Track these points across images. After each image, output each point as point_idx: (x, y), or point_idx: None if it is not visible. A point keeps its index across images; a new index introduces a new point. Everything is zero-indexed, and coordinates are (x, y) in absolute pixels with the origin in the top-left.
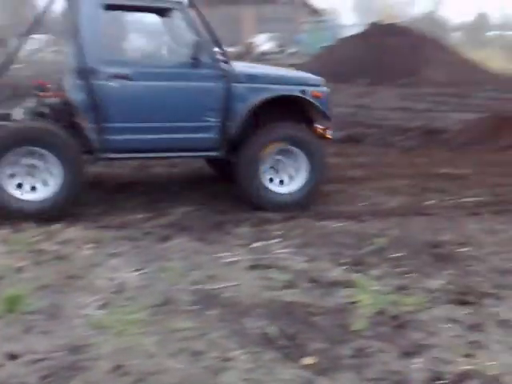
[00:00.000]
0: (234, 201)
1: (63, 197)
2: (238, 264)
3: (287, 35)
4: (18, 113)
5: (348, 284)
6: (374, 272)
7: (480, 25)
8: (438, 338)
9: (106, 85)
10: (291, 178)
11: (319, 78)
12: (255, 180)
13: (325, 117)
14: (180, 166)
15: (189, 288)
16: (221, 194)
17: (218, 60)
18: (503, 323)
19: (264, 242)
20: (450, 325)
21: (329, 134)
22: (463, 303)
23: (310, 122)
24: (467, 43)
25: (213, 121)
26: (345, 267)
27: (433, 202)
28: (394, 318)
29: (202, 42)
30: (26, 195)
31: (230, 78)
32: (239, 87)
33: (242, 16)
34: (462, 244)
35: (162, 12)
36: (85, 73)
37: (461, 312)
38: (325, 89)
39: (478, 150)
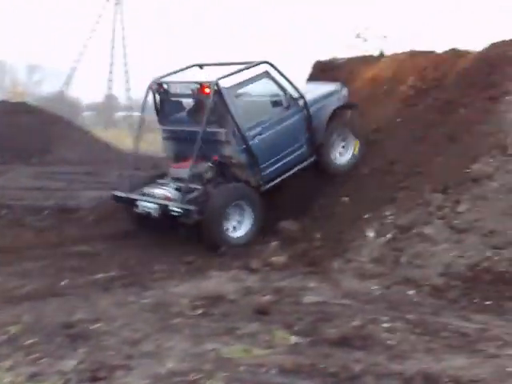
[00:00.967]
0: None
1: (252, 232)
2: None
3: None
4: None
5: None
6: (6, 363)
7: (109, 105)
8: None
9: (254, 143)
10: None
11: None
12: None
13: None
14: None
15: None
16: None
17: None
18: None
19: None
20: None
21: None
22: (95, 380)
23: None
24: (98, 123)
25: (305, 137)
26: None
27: (67, 281)
28: None
29: (287, 93)
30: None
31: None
32: (313, 109)
33: None
34: (95, 320)
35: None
36: (244, 140)
37: None
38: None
39: (108, 226)
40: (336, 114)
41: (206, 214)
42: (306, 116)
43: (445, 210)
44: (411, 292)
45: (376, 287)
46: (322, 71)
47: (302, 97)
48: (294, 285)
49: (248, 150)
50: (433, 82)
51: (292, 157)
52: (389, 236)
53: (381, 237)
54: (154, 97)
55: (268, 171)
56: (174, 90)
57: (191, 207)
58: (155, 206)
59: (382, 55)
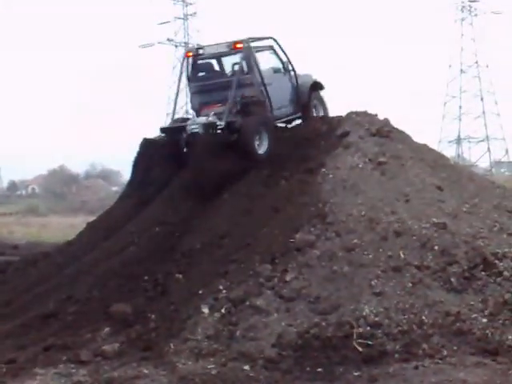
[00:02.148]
0: None
1: (268, 152)
2: None
3: None
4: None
5: None
6: None
7: None
8: None
9: (268, 86)
10: None
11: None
12: None
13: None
14: None
15: None
16: None
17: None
18: None
19: None
20: None
21: None
22: None
23: None
24: None
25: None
26: None
27: None
28: None
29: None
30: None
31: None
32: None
33: None
34: None
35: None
36: (263, 83)
37: None
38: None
39: None
40: (313, 85)
41: (243, 128)
42: (296, 83)
43: (274, 280)
44: (246, 367)
45: (212, 366)
46: (150, 148)
47: (293, 69)
48: (128, 374)
49: (265, 91)
50: None
51: (286, 109)
52: (223, 311)
53: (215, 312)
54: (188, 62)
55: (275, 112)
56: (209, 51)
57: (235, 119)
58: (201, 125)
59: None
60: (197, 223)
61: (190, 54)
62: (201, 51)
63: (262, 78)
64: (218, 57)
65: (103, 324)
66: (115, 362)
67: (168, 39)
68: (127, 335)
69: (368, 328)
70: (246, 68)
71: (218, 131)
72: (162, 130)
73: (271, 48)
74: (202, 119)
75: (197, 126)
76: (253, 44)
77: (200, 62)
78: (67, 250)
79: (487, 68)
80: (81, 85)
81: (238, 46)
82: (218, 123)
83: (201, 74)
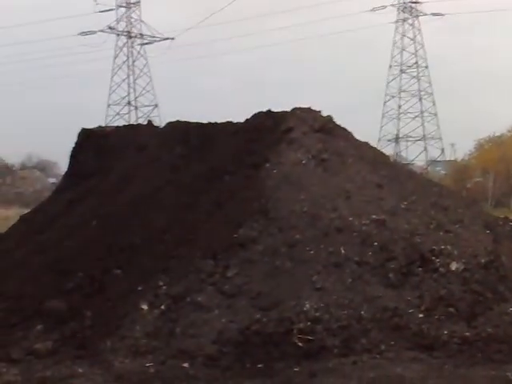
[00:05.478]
0: None
1: None
2: None
3: None
4: None
5: None
6: None
7: None
8: None
9: None
10: None
11: None
12: None
13: None
14: None
15: None
16: None
17: None
18: None
19: None
20: None
21: None
22: None
23: None
24: None
25: None
26: None
27: None
28: None
29: None
30: None
31: None
32: None
33: None
34: None
35: None
36: None
37: None
38: None
39: None
40: None
41: None
42: None
43: (215, 276)
44: (186, 364)
45: (151, 364)
46: (89, 139)
47: None
48: (62, 373)
49: None
50: (199, 150)
51: None
52: (163, 307)
53: (155, 309)
54: None
55: None
56: None
57: None
58: None
59: (150, 124)
60: (137, 217)
61: None
62: None
63: None
64: None
65: (36, 321)
66: (48, 360)
67: (110, 27)
68: (61, 333)
69: (308, 323)
70: None
71: None
72: None
73: None
74: None
75: None
76: None
77: None
78: None
79: (426, 68)
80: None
81: None
82: None
83: None
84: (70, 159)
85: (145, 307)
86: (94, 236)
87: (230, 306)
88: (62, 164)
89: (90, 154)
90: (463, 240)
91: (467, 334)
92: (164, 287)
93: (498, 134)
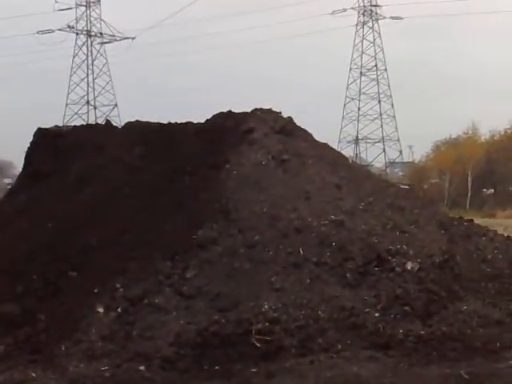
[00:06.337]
0: None
1: None
2: None
3: None
4: None
5: None
6: None
7: None
8: None
9: None
10: None
11: None
12: None
13: None
14: None
15: None
16: None
17: None
18: None
19: None
20: None
21: None
22: None
23: None
24: None
25: None
26: None
27: None
28: None
29: None
30: None
31: None
32: None
33: None
34: None
35: None
36: None
37: None
38: None
39: None
40: None
41: None
42: None
43: (174, 278)
44: (142, 367)
45: (106, 368)
46: (45, 139)
47: None
48: (14, 377)
49: None
50: (159, 151)
51: None
52: (119, 310)
53: (111, 311)
54: None
55: None
56: None
57: None
58: None
59: (109, 123)
60: (94, 219)
61: None
62: None
63: None
64: None
65: None
66: (1, 365)
67: (69, 26)
68: (14, 337)
69: (267, 324)
70: None
71: None
72: None
73: None
74: None
75: None
76: None
77: None
78: None
79: (385, 71)
80: None
81: None
82: None
83: None
84: (26, 159)
85: (101, 310)
86: (49, 238)
87: (189, 308)
88: (18, 164)
89: (46, 155)
90: (419, 240)
91: (422, 332)
92: (121, 289)
93: (454, 136)
